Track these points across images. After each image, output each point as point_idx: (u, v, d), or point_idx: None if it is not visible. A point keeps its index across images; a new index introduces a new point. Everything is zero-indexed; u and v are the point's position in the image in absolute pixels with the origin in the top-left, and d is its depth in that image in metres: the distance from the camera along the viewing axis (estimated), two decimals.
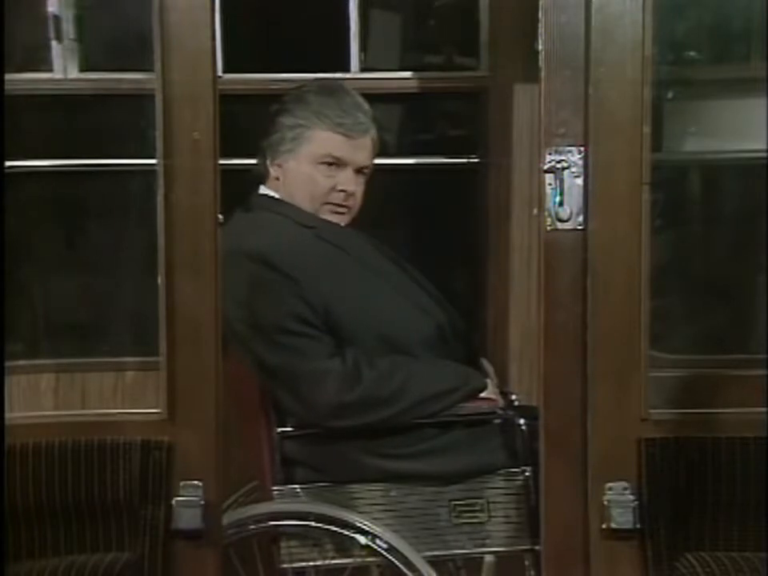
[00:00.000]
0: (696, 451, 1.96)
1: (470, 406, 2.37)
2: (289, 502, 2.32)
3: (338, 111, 2.47)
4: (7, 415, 1.89)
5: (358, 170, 2.51)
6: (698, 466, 1.96)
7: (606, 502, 1.95)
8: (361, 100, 2.53)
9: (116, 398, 2.33)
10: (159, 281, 1.96)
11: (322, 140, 2.47)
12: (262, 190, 2.54)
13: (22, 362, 2.38)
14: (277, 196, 2.51)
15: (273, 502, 2.33)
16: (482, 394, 2.41)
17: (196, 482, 1.97)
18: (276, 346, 2.30)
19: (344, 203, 2.50)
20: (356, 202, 2.53)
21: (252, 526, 2.28)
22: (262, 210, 2.50)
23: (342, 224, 2.52)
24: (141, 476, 1.98)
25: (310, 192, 2.47)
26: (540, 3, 1.92)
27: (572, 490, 1.98)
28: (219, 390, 1.98)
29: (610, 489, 1.95)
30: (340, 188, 2.48)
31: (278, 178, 2.50)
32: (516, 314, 2.97)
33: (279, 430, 2.34)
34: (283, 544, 2.31)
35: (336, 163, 2.47)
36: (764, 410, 1.96)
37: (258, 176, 2.55)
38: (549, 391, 1.97)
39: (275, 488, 2.33)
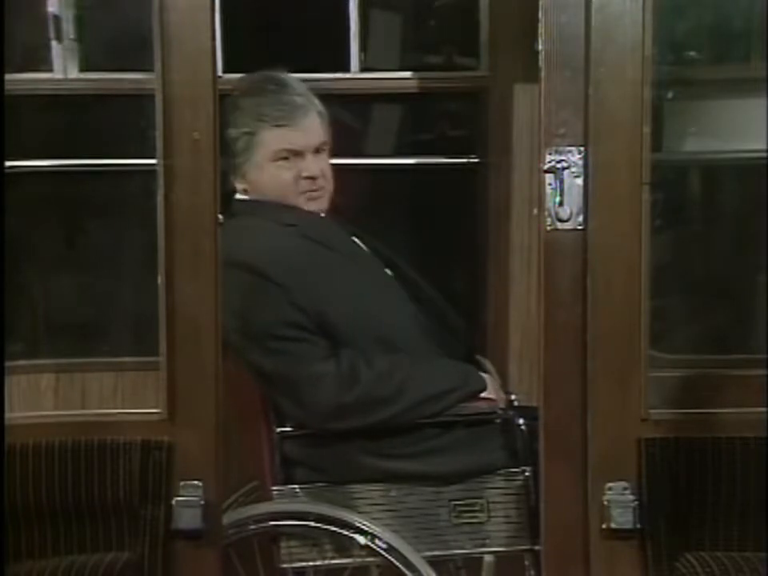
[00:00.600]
0: (696, 451, 1.96)
1: (469, 406, 2.37)
2: (289, 501, 2.32)
3: (273, 106, 2.45)
4: (7, 415, 1.89)
5: (316, 151, 2.50)
6: (698, 466, 1.96)
7: (605, 502, 1.95)
8: (291, 80, 2.50)
9: (116, 398, 2.33)
10: (159, 281, 1.96)
11: (270, 139, 2.45)
12: (238, 195, 2.53)
13: (22, 362, 2.38)
14: (253, 198, 2.50)
15: (273, 502, 2.33)
16: (483, 394, 2.40)
17: (196, 482, 1.97)
18: (270, 353, 2.30)
19: (315, 187, 2.49)
20: (327, 182, 2.52)
21: (252, 526, 2.28)
22: (241, 216, 2.49)
23: (322, 209, 2.50)
24: (141, 476, 1.98)
25: (279, 190, 2.47)
26: (540, 3, 1.92)
27: (572, 490, 1.98)
28: (219, 390, 1.98)
29: (610, 489, 1.95)
30: (305, 175, 2.47)
31: (245, 189, 2.50)
32: (516, 314, 2.97)
33: (279, 430, 2.34)
34: (283, 544, 2.31)
35: (292, 155, 2.46)
36: (764, 410, 1.96)
37: (231, 189, 2.54)
38: (549, 391, 1.97)
39: (275, 488, 2.33)
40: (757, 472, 1.95)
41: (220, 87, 1.97)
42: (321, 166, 2.49)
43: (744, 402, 2.01)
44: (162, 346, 1.97)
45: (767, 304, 2.45)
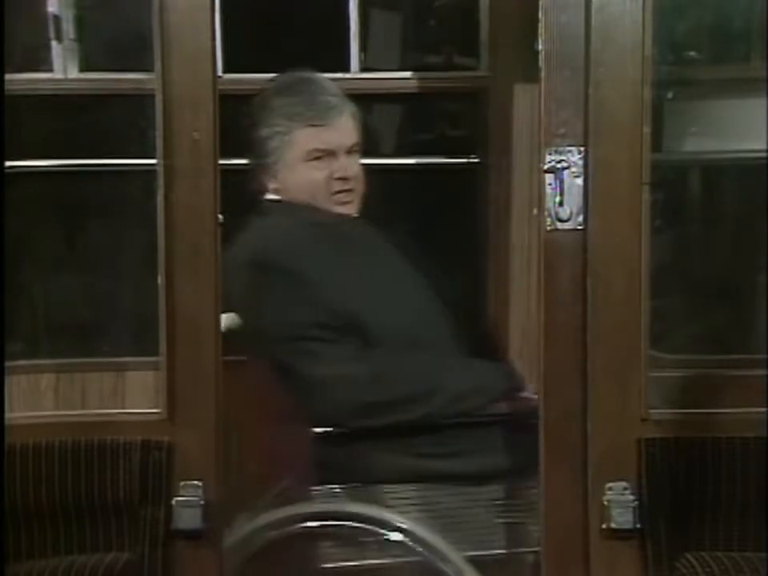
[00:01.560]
0: (696, 451, 1.96)
1: (507, 406, 2.35)
2: (326, 502, 2.30)
3: (306, 105, 2.46)
4: (7, 415, 1.89)
5: (349, 152, 2.49)
6: (698, 466, 1.96)
7: (605, 502, 1.95)
8: (325, 82, 2.51)
9: (116, 398, 2.33)
10: (159, 281, 1.96)
11: (303, 138, 2.45)
12: (268, 195, 2.52)
13: (22, 362, 2.38)
14: (283, 198, 2.49)
15: (310, 503, 2.31)
16: (520, 394, 2.39)
17: (196, 482, 1.97)
18: (301, 353, 2.29)
19: (347, 188, 2.48)
20: (359, 184, 2.51)
21: (290, 527, 2.26)
22: (270, 216, 2.48)
23: (353, 212, 2.50)
24: (141, 476, 1.98)
25: (311, 191, 2.46)
26: (540, 3, 1.91)
27: (572, 490, 1.97)
28: (219, 390, 1.98)
29: (610, 489, 1.95)
30: (337, 176, 2.47)
31: (277, 189, 2.49)
32: (516, 314, 2.97)
33: (315, 430, 2.32)
34: (321, 544, 2.30)
35: (325, 155, 2.46)
36: (764, 410, 1.95)
37: (258, 190, 2.53)
38: (549, 391, 1.97)
39: (312, 488, 2.32)
40: (757, 472, 1.95)
41: (220, 87, 1.96)
42: (353, 167, 2.49)
43: (744, 401, 2.01)
44: (162, 346, 1.97)
45: (767, 304, 2.45)
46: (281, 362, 2.31)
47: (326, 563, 2.31)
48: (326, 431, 2.32)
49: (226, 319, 2.39)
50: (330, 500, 2.31)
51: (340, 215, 2.47)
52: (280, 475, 2.48)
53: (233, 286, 2.37)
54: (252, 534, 2.25)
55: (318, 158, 2.46)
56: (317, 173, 2.46)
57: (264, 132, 2.46)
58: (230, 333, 2.39)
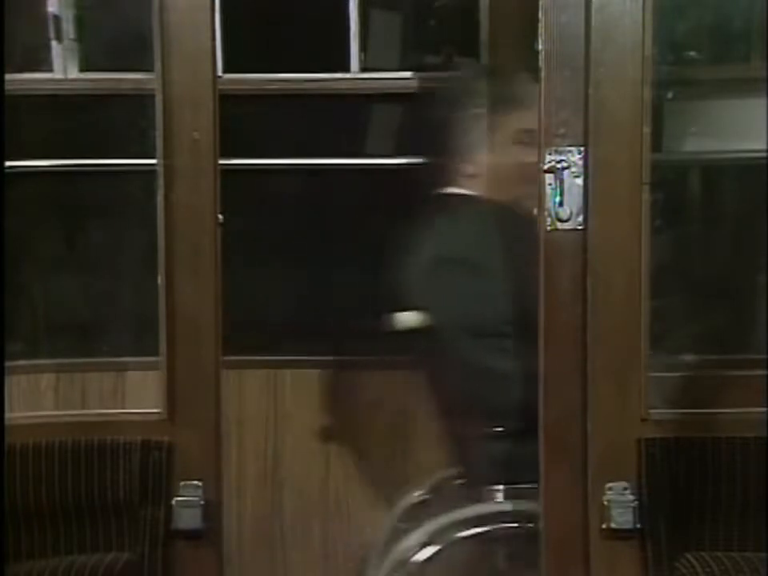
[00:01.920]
0: (696, 451, 1.96)
1: None
2: (512, 502, 2.28)
3: (509, 87, 2.43)
4: (7, 415, 1.89)
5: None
6: (698, 466, 1.96)
7: (605, 502, 1.95)
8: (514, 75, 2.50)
9: (116, 398, 2.33)
10: (159, 281, 1.96)
11: (512, 120, 2.41)
12: (452, 189, 2.47)
13: (22, 362, 2.39)
14: (471, 193, 2.45)
15: (496, 503, 2.29)
16: None
17: (196, 482, 1.97)
18: (495, 351, 2.28)
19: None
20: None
21: (476, 528, 2.24)
22: (460, 211, 2.43)
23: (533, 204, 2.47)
24: (141, 476, 1.98)
25: (515, 176, 2.40)
26: (540, 3, 1.91)
27: (572, 490, 1.97)
28: (219, 390, 1.98)
29: (610, 489, 1.95)
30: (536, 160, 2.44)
31: (473, 175, 2.44)
32: None
33: (498, 429, 2.30)
34: (506, 545, 2.28)
35: (528, 139, 2.42)
36: (764, 410, 1.95)
37: (444, 178, 2.48)
38: (549, 391, 1.97)
39: (494, 488, 2.30)
40: (757, 472, 1.95)
41: (220, 87, 1.97)
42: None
43: (744, 401, 2.01)
44: (162, 346, 1.97)
45: (767, 304, 2.45)
46: (469, 359, 2.29)
47: (505, 563, 2.29)
48: (510, 429, 2.29)
49: (406, 317, 2.40)
50: (514, 500, 2.28)
51: (522, 209, 2.44)
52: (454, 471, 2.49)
53: (421, 284, 2.36)
54: (433, 534, 2.24)
55: (522, 142, 2.40)
56: (521, 157, 2.38)
57: (466, 114, 2.41)
58: (411, 331, 2.38)
